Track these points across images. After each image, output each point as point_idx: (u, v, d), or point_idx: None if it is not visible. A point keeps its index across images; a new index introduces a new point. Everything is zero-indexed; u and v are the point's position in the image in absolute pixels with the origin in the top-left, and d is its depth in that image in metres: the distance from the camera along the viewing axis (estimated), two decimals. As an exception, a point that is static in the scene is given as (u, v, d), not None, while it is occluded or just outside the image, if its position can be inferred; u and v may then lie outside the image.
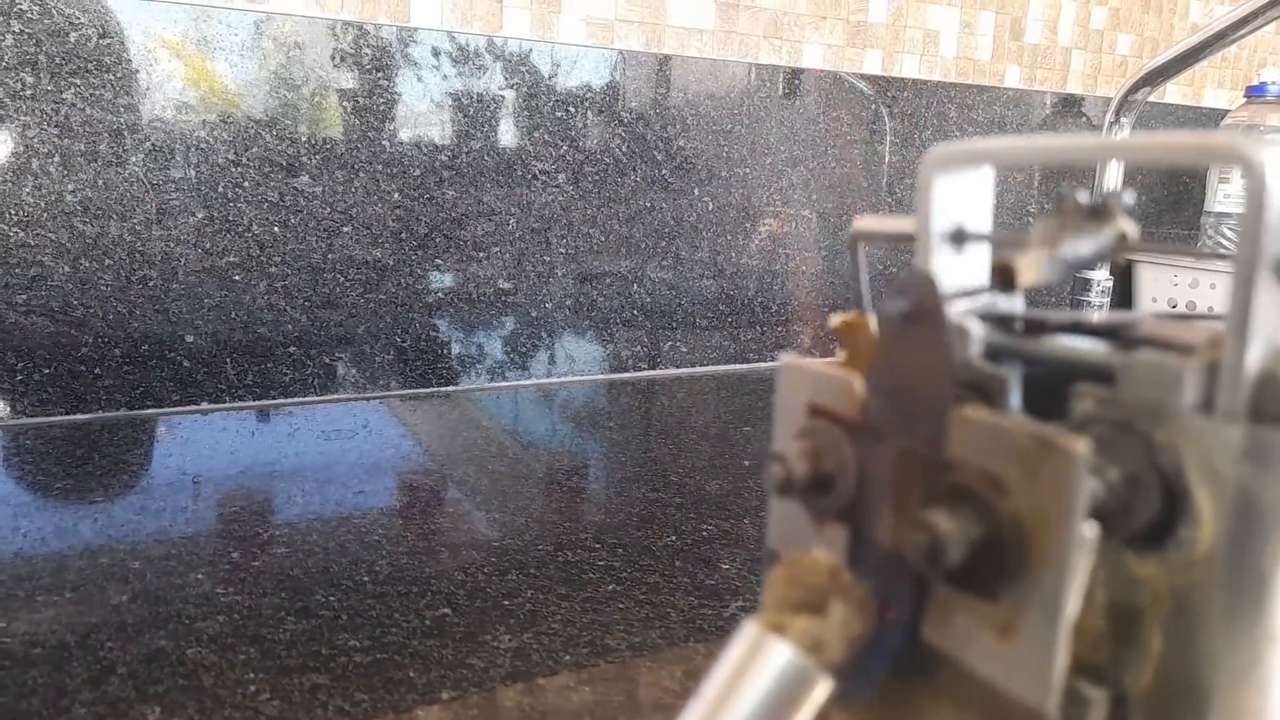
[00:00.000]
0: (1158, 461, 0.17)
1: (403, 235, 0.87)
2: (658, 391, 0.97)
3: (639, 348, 1.00)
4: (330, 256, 0.84)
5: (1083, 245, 0.19)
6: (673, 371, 1.02)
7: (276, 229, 0.82)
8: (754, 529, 0.60)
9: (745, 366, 1.06)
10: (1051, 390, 0.19)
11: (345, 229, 0.84)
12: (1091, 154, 0.18)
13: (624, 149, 0.96)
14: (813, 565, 0.17)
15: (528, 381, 0.95)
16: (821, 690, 0.16)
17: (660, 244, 0.99)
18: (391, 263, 0.87)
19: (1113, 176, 0.98)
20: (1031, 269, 0.18)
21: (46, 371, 0.77)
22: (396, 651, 0.44)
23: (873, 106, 1.10)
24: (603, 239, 0.96)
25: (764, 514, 0.63)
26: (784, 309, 1.08)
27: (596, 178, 0.94)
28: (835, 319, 0.26)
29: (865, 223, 0.24)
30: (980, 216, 0.22)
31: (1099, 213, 0.19)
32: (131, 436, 0.76)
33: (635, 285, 0.99)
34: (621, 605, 0.49)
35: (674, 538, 0.58)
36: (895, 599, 0.17)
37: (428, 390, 0.91)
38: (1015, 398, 0.18)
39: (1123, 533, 0.18)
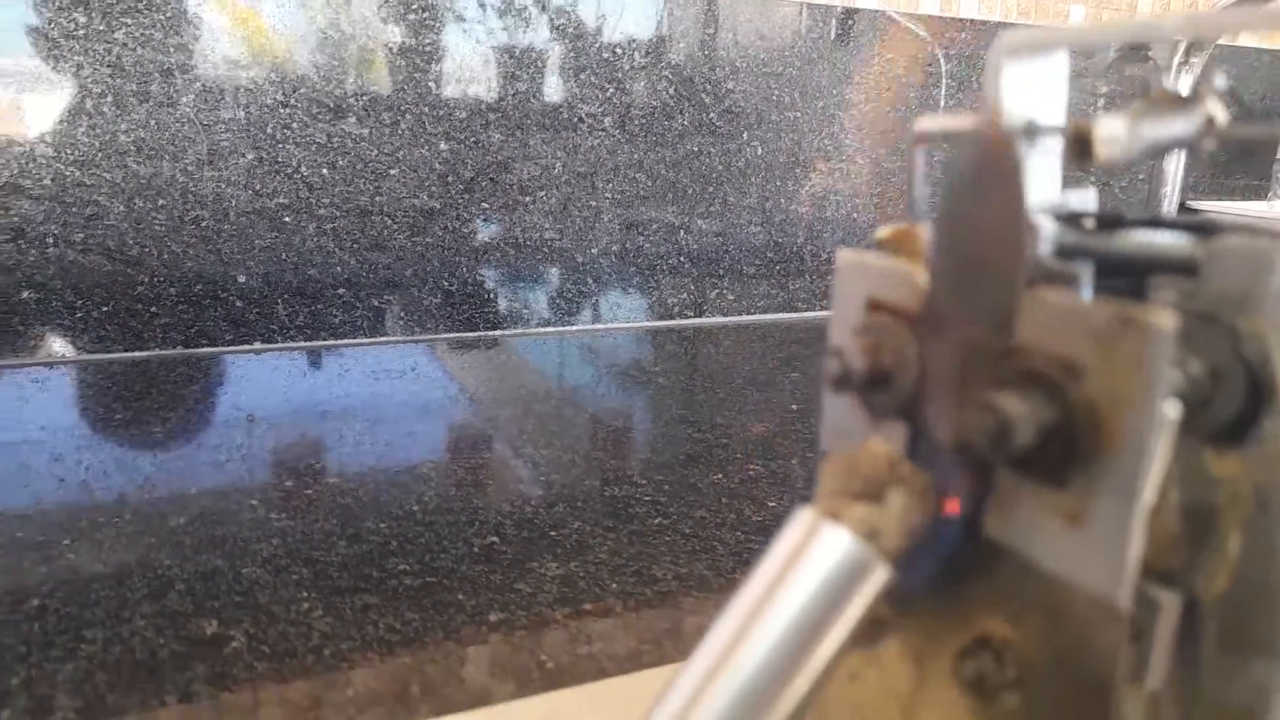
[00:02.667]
0: (1242, 352, 0.16)
1: (449, 179, 0.87)
2: (704, 339, 0.97)
3: (685, 295, 1.00)
4: (378, 199, 0.85)
5: (1168, 124, 0.18)
6: (719, 319, 1.01)
7: (325, 171, 0.82)
8: (802, 470, 0.60)
9: (793, 315, 1.05)
10: (1127, 289, 0.18)
11: (392, 172, 0.85)
12: (1176, 31, 0.17)
13: (671, 92, 0.94)
14: (871, 454, 0.17)
15: (573, 328, 0.95)
16: (878, 579, 0.16)
17: (708, 190, 0.98)
18: (438, 206, 0.87)
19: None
20: (1110, 140, 0.17)
21: (105, 309, 0.79)
22: (445, 576, 0.45)
23: (928, 49, 1.07)
24: (649, 184, 0.95)
25: (812, 457, 0.62)
26: (834, 257, 1.06)
27: (643, 121, 0.93)
28: (883, 231, 0.26)
29: (927, 123, 0.23)
30: (1053, 110, 0.21)
31: (1188, 100, 0.18)
32: (187, 374, 0.77)
33: (682, 232, 0.98)
34: (668, 538, 0.49)
35: (720, 476, 0.58)
36: (956, 492, 0.17)
37: (474, 335, 0.91)
38: (1088, 295, 0.18)
39: (1203, 428, 0.17)
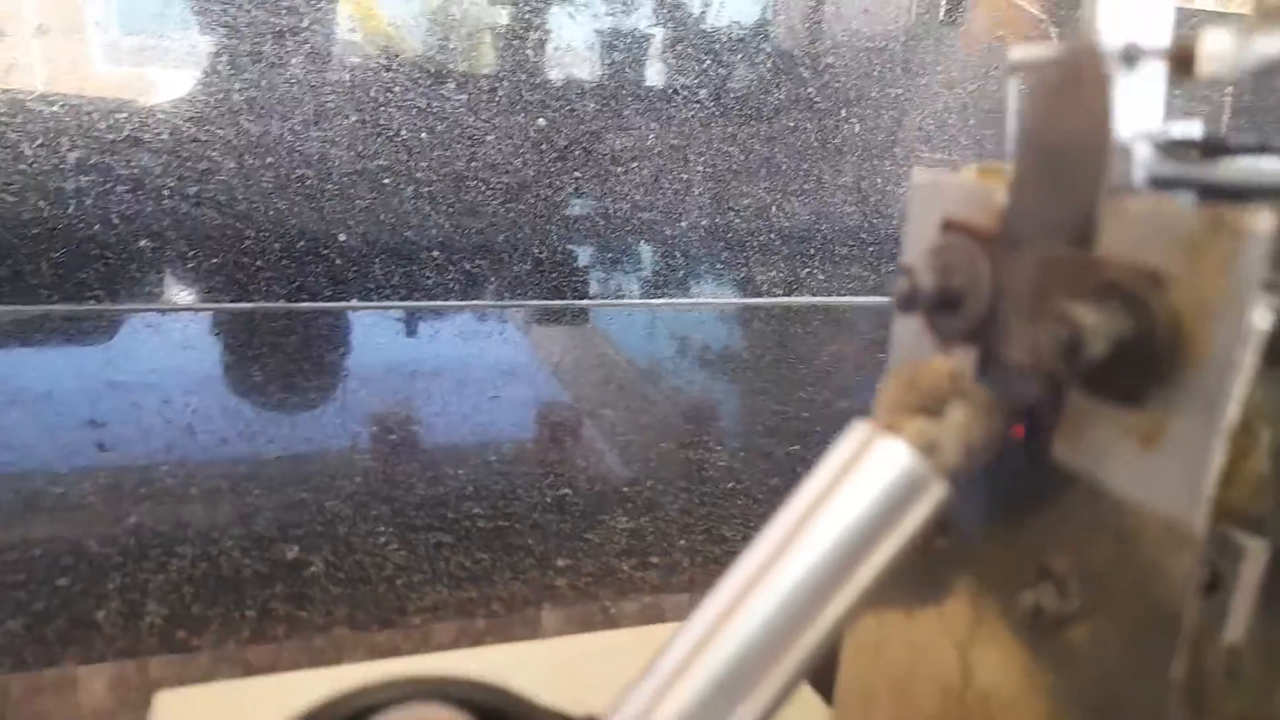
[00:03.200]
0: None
1: (543, 147, 0.88)
2: (792, 318, 0.95)
3: (775, 273, 0.99)
4: (473, 165, 0.86)
5: (1274, 43, 0.16)
6: (809, 300, 1.00)
7: (423, 135, 0.84)
8: (880, 445, 0.59)
9: (885, 300, 1.03)
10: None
11: (488, 138, 0.86)
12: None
13: (768, 66, 0.93)
14: (932, 368, 0.16)
15: (660, 301, 0.95)
16: (935, 496, 0.15)
17: (802, 167, 0.96)
18: (531, 174, 0.88)
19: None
20: (1215, 54, 0.16)
21: (215, 261, 0.83)
22: (517, 521, 0.45)
23: (1041, 27, 1.03)
24: (742, 159, 0.94)
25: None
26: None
27: (739, 94, 0.92)
28: (970, 169, 0.25)
29: (1022, 52, 0.22)
30: (1156, 33, 0.20)
31: (1301, 6, 0.16)
32: (288, 326, 0.80)
33: (774, 209, 0.97)
34: (740, 502, 0.49)
35: (798, 447, 0.57)
36: (1026, 414, 0.16)
37: (561, 303, 0.92)
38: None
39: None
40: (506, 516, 0.46)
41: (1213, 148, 0.18)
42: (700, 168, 0.93)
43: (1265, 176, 0.17)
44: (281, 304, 0.84)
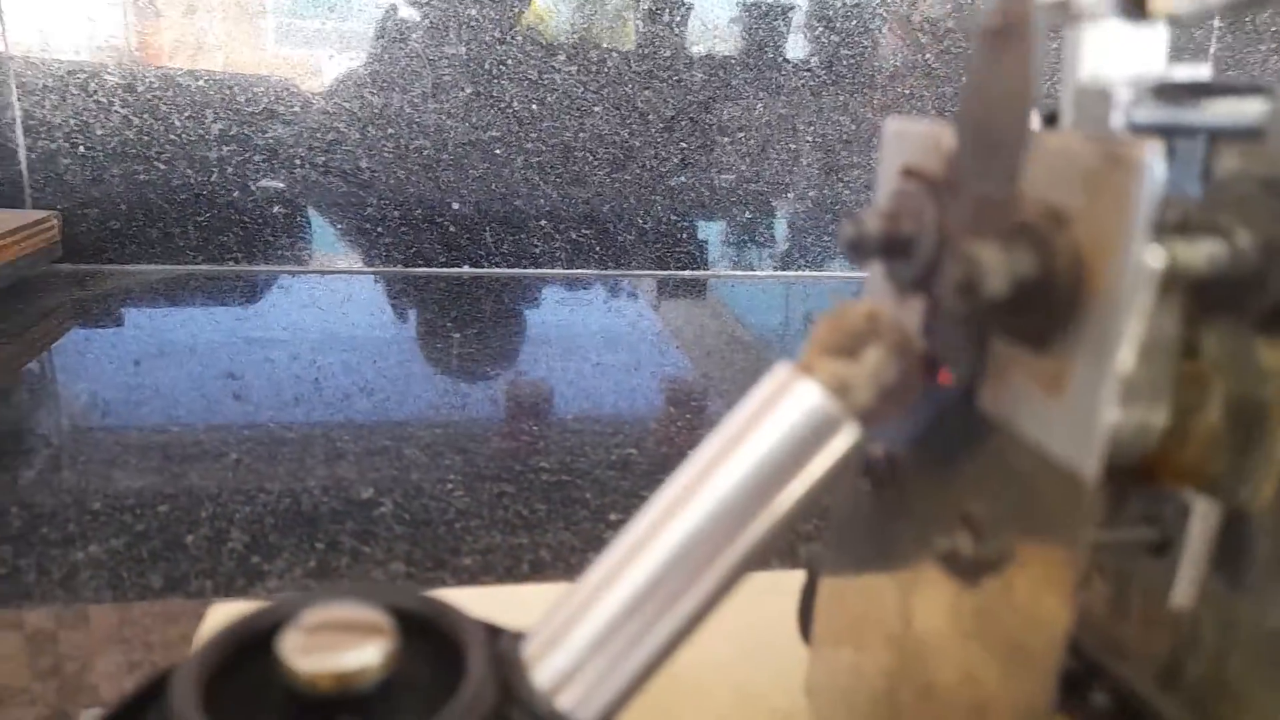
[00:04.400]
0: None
1: (650, 117, 0.88)
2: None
3: (885, 246, 0.96)
4: (581, 135, 0.88)
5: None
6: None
7: (534, 106, 0.87)
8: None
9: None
10: (1187, 158, 0.16)
11: (596, 109, 0.87)
12: None
13: (884, 31, 0.90)
14: (854, 309, 0.16)
15: (764, 273, 0.95)
16: (845, 437, 0.15)
17: (917, 136, 0.93)
18: (637, 144, 0.89)
19: None
20: None
21: (340, 227, 0.88)
22: (580, 477, 0.47)
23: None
24: (853, 128, 0.92)
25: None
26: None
27: (852, 61, 0.90)
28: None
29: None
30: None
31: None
32: (404, 290, 0.85)
33: (886, 179, 0.94)
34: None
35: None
36: (952, 359, 0.16)
37: (665, 273, 0.93)
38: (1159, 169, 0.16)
39: (1254, 310, 0.15)
40: (570, 471, 0.47)
41: (1201, 91, 0.17)
42: (809, 137, 0.91)
43: (1240, 118, 0.16)
44: (399, 269, 0.89)
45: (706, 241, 0.94)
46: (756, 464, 0.15)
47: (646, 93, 0.87)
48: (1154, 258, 0.12)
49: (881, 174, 0.19)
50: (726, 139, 0.90)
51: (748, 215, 0.93)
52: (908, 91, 0.92)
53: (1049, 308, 0.14)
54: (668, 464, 0.49)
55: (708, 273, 0.94)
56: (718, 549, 0.15)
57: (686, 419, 0.55)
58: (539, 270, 0.92)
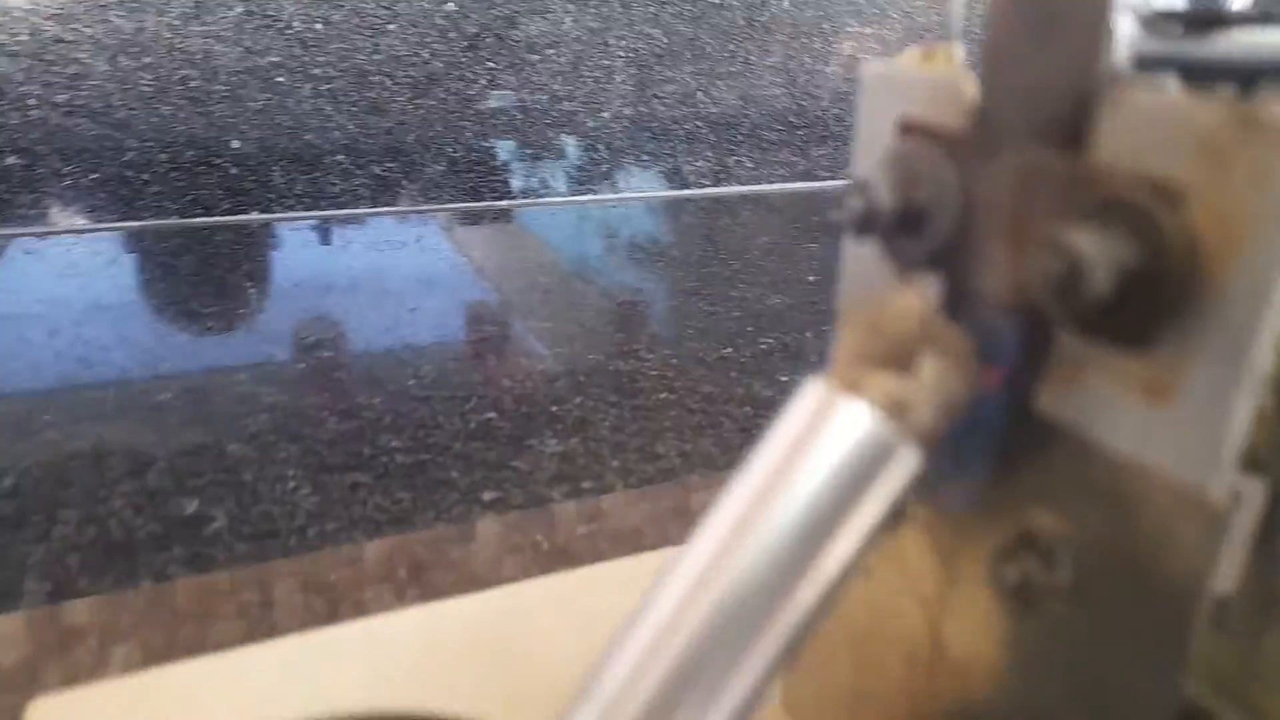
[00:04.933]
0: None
1: (451, 35, 0.81)
2: (720, 210, 0.92)
3: (703, 163, 0.95)
4: (376, 58, 0.79)
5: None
6: (737, 189, 0.96)
7: (319, 26, 0.77)
8: (817, 342, 0.57)
9: (815, 185, 1.00)
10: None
11: (390, 26, 0.79)
12: None
13: (690, -63, 0.87)
14: (899, 311, 0.14)
15: (584, 198, 0.91)
16: (908, 464, 0.13)
17: (728, 48, 0.91)
18: (440, 65, 0.81)
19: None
20: None
21: (94, 176, 0.75)
22: (440, 453, 0.42)
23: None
24: (665, 41, 0.88)
25: (827, 328, 0.59)
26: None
27: (659, -30, 0.86)
28: (912, 51, 0.21)
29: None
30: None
31: None
32: (183, 244, 0.74)
33: (700, 94, 0.92)
34: (673, 414, 0.47)
35: (730, 350, 0.55)
36: (1005, 359, 0.13)
37: (480, 205, 0.87)
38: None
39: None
40: (428, 448, 0.43)
41: (1203, 21, 0.15)
42: (622, 52, 0.87)
43: (1269, 51, 0.14)
44: (174, 220, 0.78)
45: (521, 168, 0.88)
46: (808, 506, 0.12)
47: (447, 6, 0.80)
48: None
49: (863, 127, 0.16)
50: (536, 57, 0.84)
51: (564, 138, 0.88)
52: (718, 1, 0.89)
53: (1153, 302, 0.11)
54: (532, 426, 0.45)
55: (526, 202, 0.89)
56: (776, 612, 0.12)
57: (540, 371, 0.51)
58: (340, 211, 0.83)
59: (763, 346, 0.56)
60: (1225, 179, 0.11)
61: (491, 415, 0.46)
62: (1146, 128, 0.12)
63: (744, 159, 0.96)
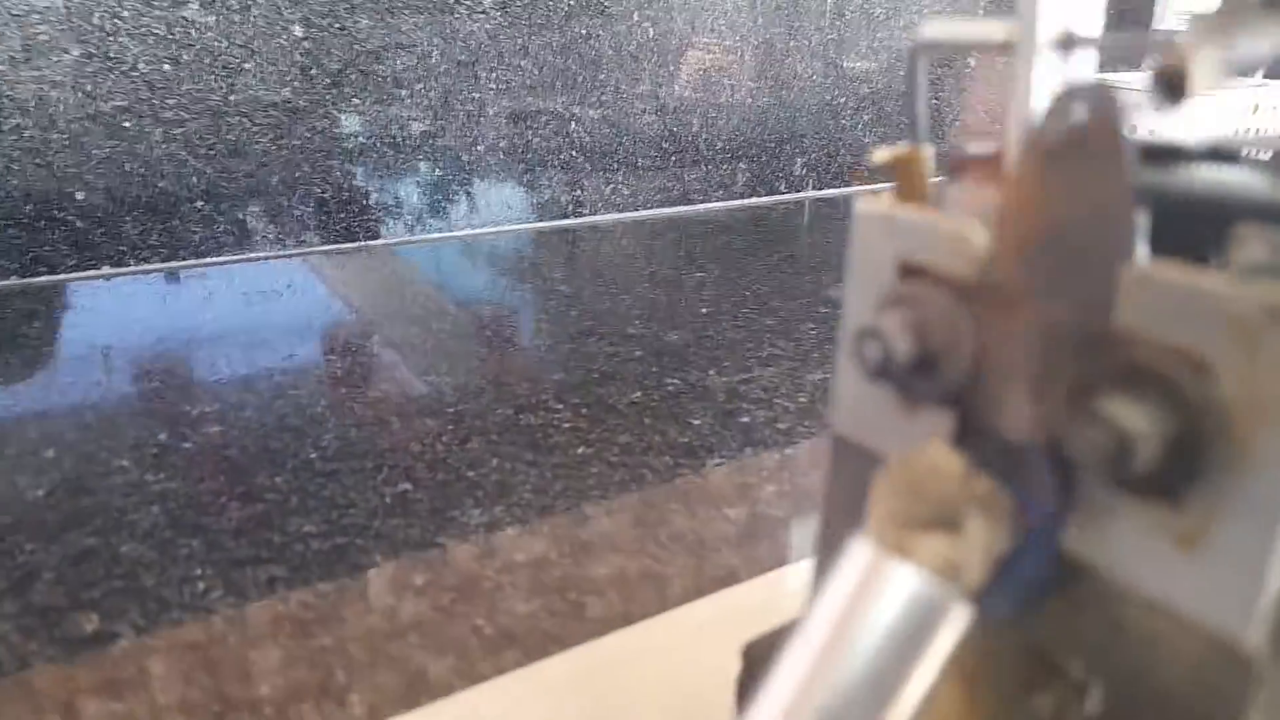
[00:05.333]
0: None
1: (312, 72, 0.77)
2: (602, 238, 0.92)
3: (579, 191, 0.94)
4: (232, 98, 0.75)
5: (1262, 40, 0.14)
6: (615, 216, 0.97)
7: (167, 67, 0.72)
8: (722, 380, 0.57)
9: (690, 209, 1.01)
10: (1190, 237, 0.15)
11: (247, 66, 0.75)
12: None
13: (555, -32, 0.86)
14: (937, 469, 0.14)
15: (462, 232, 0.89)
16: (961, 622, 0.13)
17: (598, 77, 0.91)
18: (303, 104, 0.78)
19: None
20: (1207, 71, 0.14)
21: (-85, 238, 0.68)
22: (358, 534, 0.41)
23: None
24: (536, 72, 0.88)
25: (729, 365, 0.60)
26: (729, 146, 1.02)
27: (526, 2, 0.85)
28: (883, 152, 0.22)
29: (933, 29, 0.19)
30: (1089, 18, 0.18)
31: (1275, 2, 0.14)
32: (26, 308, 0.68)
33: (573, 124, 0.92)
34: (595, 469, 0.46)
35: (639, 394, 0.55)
36: (1034, 504, 0.14)
37: (353, 245, 0.84)
38: (1140, 250, 0.15)
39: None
40: (344, 530, 0.41)
41: (1161, 153, 0.16)
42: (493, 85, 0.86)
43: (1239, 192, 0.16)
44: (14, 280, 0.71)
45: (394, 205, 0.86)
46: (872, 671, 0.13)
47: (306, 44, 0.76)
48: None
49: (857, 263, 0.16)
50: (404, 91, 0.82)
51: (437, 173, 0.86)
52: (584, 32, 0.89)
53: (1185, 465, 0.12)
54: (452, 496, 0.44)
55: (400, 239, 0.86)
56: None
57: (450, 431, 0.50)
58: (202, 260, 0.78)
59: (670, 388, 0.56)
60: (1254, 359, 0.12)
61: (406, 487, 0.44)
62: (1174, 304, 0.12)
63: (620, 186, 0.96)
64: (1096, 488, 0.14)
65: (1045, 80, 0.18)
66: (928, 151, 0.21)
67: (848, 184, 1.12)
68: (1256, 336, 0.12)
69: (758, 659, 0.23)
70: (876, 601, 0.13)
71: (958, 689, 0.16)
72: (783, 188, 1.07)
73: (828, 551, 0.20)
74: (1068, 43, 0.18)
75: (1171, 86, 0.14)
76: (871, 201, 0.16)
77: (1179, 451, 0.12)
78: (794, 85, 1.04)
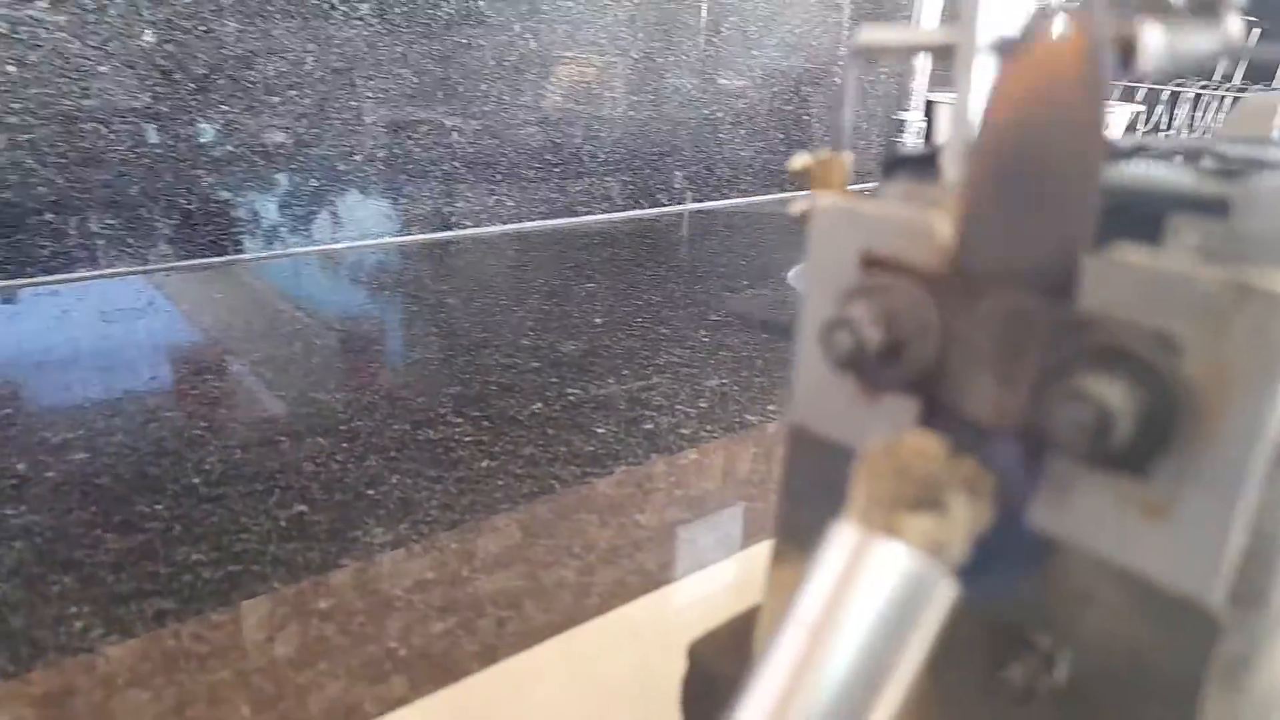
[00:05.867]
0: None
1: (176, 76, 0.73)
2: (488, 250, 0.91)
3: (462, 203, 0.93)
4: (86, 103, 0.70)
5: (1198, 38, 0.16)
6: (500, 228, 0.95)
7: (11, 68, 0.66)
8: (623, 389, 0.57)
9: (575, 220, 1.01)
10: (1127, 230, 0.16)
11: (102, 69, 0.70)
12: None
13: (433, -24, 0.85)
14: (921, 453, 0.14)
15: (339, 244, 0.86)
16: (947, 597, 0.13)
17: (480, 87, 0.90)
18: (165, 110, 0.73)
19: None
20: (1154, 48, 0.15)
21: None
22: (253, 561, 0.38)
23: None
24: (416, 81, 0.86)
25: (628, 374, 0.60)
26: (611, 159, 1.02)
27: (405, 9, 0.83)
28: (800, 159, 0.22)
29: (871, 34, 0.20)
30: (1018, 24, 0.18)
31: (1205, 7, 0.16)
32: None
33: (455, 134, 0.90)
34: (501, 482, 0.45)
35: (540, 405, 0.54)
36: (1006, 483, 0.14)
37: (222, 260, 0.80)
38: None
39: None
40: (236, 557, 0.38)
41: (1142, 152, 0.17)
42: (370, 93, 0.83)
43: (1175, 187, 0.17)
44: None
45: (266, 217, 0.82)
46: (867, 649, 0.13)
47: (168, 47, 0.72)
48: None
49: (816, 257, 0.17)
50: (276, 98, 0.78)
51: (313, 184, 0.83)
52: (465, 41, 0.88)
53: (1153, 440, 0.13)
54: (353, 516, 0.42)
55: (275, 253, 0.82)
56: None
57: (345, 449, 0.48)
58: (52, 277, 0.72)
59: (571, 398, 0.55)
60: (1222, 336, 0.12)
61: (302, 508, 0.42)
62: (1139, 285, 0.13)
63: (504, 198, 0.95)
64: (1065, 465, 0.14)
65: (985, 83, 0.19)
66: (847, 157, 0.22)
67: (725, 196, 1.14)
68: (1225, 314, 0.12)
69: (703, 658, 0.23)
70: (868, 581, 0.13)
71: (923, 667, 0.17)
72: (664, 200, 1.08)
73: (787, 539, 0.20)
74: (1005, 47, 0.19)
75: (1123, 57, 0.15)
76: (830, 197, 0.16)
77: (1148, 427, 0.13)
78: (673, 99, 1.06)
